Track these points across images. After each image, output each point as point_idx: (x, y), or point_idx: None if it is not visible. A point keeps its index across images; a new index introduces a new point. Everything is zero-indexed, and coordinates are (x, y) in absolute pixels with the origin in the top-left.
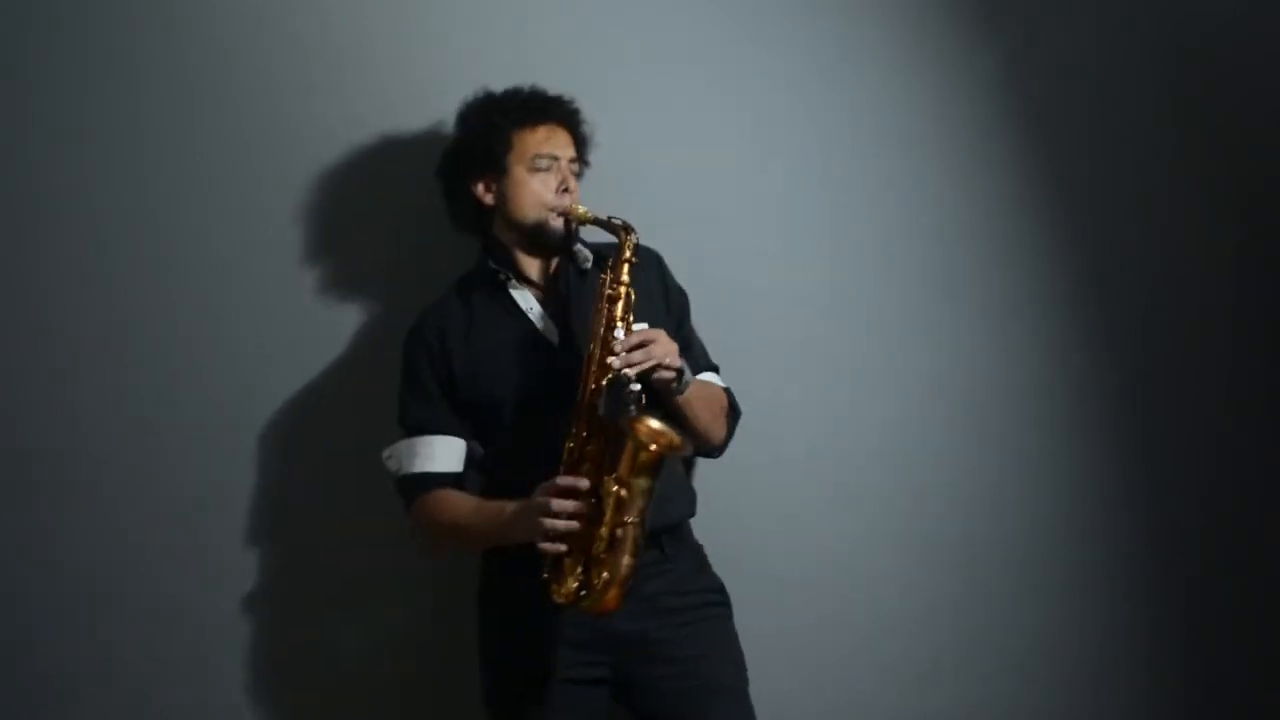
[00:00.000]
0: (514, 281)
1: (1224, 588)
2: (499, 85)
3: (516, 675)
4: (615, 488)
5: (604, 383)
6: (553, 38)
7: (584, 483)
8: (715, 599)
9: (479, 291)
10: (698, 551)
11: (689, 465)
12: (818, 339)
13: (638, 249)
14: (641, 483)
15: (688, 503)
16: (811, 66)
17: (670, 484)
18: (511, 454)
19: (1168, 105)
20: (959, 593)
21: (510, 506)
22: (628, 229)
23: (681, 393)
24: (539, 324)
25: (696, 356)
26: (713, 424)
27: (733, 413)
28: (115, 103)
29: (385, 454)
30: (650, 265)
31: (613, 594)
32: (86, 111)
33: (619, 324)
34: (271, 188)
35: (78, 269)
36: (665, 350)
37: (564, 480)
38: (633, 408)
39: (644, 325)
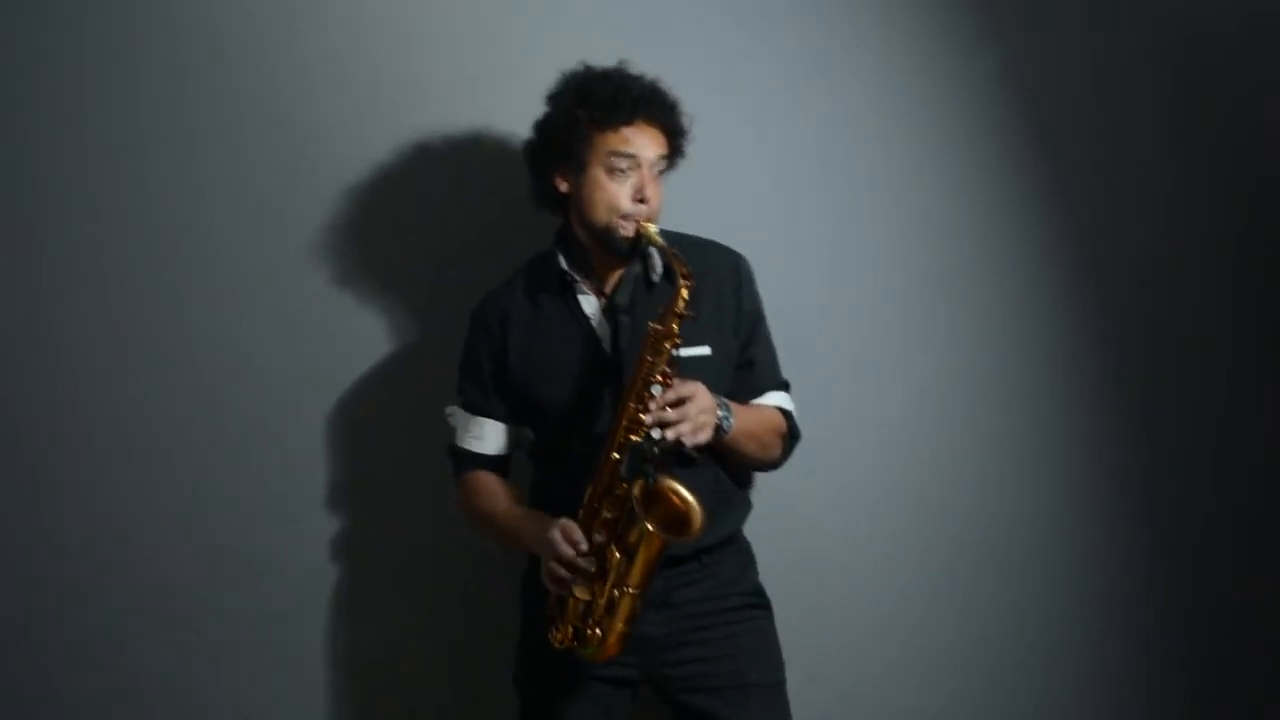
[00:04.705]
0: (581, 285)
1: (1225, 587)
2: (495, 84)
3: (548, 663)
4: (618, 556)
5: (629, 443)
6: (551, 38)
7: (583, 544)
8: (752, 602)
9: (547, 285)
10: (741, 554)
11: (748, 477)
12: (817, 339)
13: (715, 259)
14: (643, 559)
15: (736, 518)
16: (811, 66)
17: (716, 498)
18: (556, 456)
19: (1168, 105)
20: (958, 592)
21: (530, 527)
22: (687, 276)
23: (725, 435)
24: (600, 332)
25: (761, 376)
26: (762, 453)
27: (790, 435)
28: (116, 103)
29: (448, 411)
30: (724, 274)
31: (606, 651)
32: (88, 111)
33: (658, 379)
34: (270, 187)
35: (80, 269)
36: (701, 408)
37: (571, 531)
38: (651, 477)
39: (683, 381)
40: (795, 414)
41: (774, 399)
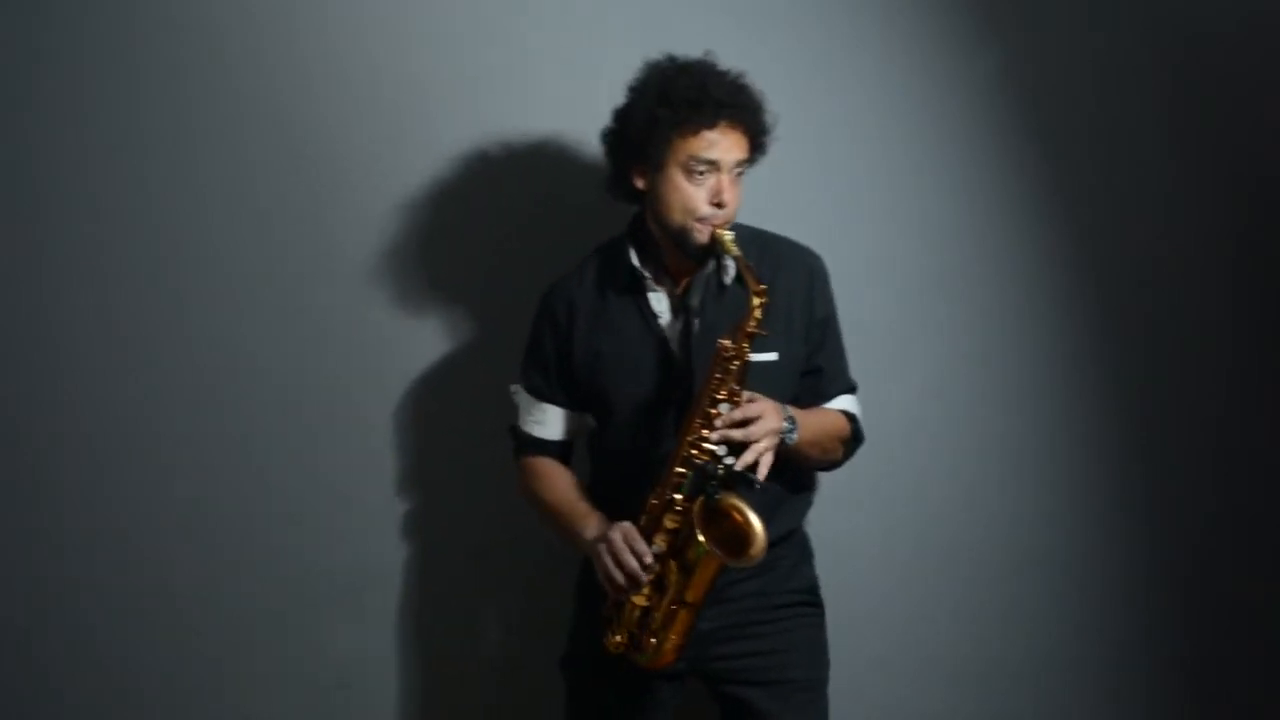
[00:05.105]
0: (651, 282)
1: (1225, 587)
2: (495, 84)
3: (598, 651)
4: (676, 574)
5: (693, 459)
6: (551, 38)
7: (648, 556)
8: (804, 600)
9: (616, 280)
10: (797, 550)
11: (811, 477)
12: None
13: (789, 260)
14: (701, 577)
15: (792, 516)
16: (811, 66)
17: (771, 499)
18: (617, 456)
19: (1168, 105)
20: (957, 592)
21: (590, 526)
22: (761, 293)
23: (788, 445)
24: (668, 332)
25: (828, 383)
26: (823, 458)
27: (853, 439)
28: (116, 103)
29: (512, 388)
30: (798, 278)
31: (662, 659)
32: (88, 111)
33: (724, 395)
34: (270, 187)
35: (80, 269)
36: (766, 429)
37: (634, 539)
38: (714, 496)
39: (752, 396)
40: (860, 416)
41: (840, 403)
